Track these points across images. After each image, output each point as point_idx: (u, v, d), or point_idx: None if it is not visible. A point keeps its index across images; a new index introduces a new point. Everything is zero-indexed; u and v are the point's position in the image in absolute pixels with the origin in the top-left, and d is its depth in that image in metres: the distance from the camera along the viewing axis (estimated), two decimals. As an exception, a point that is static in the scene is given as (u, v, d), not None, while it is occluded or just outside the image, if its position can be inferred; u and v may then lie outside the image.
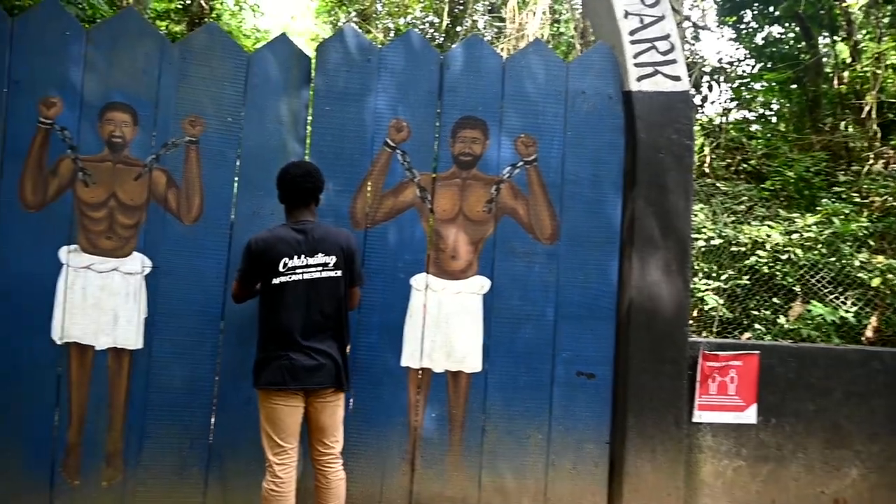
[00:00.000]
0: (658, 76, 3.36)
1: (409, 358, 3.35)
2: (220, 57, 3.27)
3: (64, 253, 3.06)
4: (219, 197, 3.24)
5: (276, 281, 2.77)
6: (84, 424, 3.03)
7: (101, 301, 3.07)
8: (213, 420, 3.16)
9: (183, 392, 3.14)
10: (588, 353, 3.41)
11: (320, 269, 2.81)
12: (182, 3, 10.64)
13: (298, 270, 2.78)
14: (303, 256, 2.80)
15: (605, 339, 3.43)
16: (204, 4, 11.27)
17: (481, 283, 3.39)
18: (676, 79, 3.37)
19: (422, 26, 22.06)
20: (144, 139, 3.17)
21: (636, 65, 3.36)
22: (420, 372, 3.33)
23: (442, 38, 21.63)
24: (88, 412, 3.03)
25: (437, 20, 21.72)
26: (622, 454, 3.31)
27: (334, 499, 2.85)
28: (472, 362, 3.35)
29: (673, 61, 3.37)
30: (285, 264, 2.78)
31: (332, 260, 2.83)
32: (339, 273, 2.84)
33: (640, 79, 3.36)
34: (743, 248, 4.91)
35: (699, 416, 3.41)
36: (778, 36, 9.14)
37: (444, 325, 3.35)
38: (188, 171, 3.19)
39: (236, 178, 3.28)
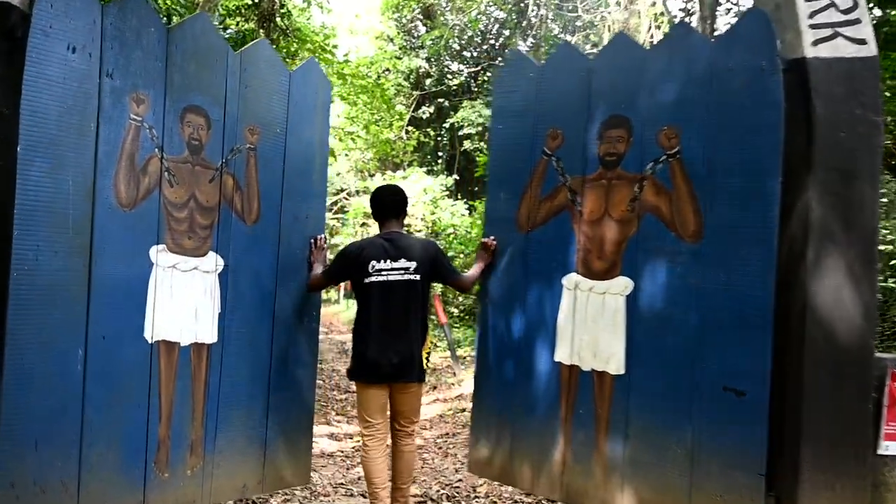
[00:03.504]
0: (838, 39, 2.84)
1: (561, 354, 3.45)
2: (271, 72, 3.54)
3: (153, 252, 3.10)
4: (270, 200, 3.55)
5: (366, 281, 3.38)
6: (172, 419, 3.16)
7: (185, 299, 3.20)
8: (269, 403, 3.53)
9: (246, 380, 3.45)
10: (737, 366, 2.98)
11: (402, 272, 3.36)
12: (253, 0, 10.49)
13: (384, 272, 3.34)
14: (388, 261, 3.36)
15: (757, 351, 2.95)
16: (275, 0, 11.10)
17: (625, 284, 3.25)
18: (861, 42, 2.84)
19: (487, 22, 21.87)
20: (215, 144, 3.32)
21: (812, 26, 2.84)
22: (570, 368, 3.41)
23: (507, 33, 21.23)
24: (175, 407, 3.17)
25: (503, 14, 21.31)
26: (793, 491, 2.82)
27: (402, 464, 3.59)
28: (616, 364, 3.27)
29: (856, 21, 2.85)
30: (373, 266, 3.36)
31: (412, 265, 3.37)
32: (418, 277, 3.39)
33: (815, 42, 2.84)
34: None
35: (886, 448, 2.88)
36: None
37: (591, 324, 3.35)
38: (248, 175, 3.44)
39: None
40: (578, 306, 3.41)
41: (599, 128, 3.36)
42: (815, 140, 2.84)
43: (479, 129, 19.78)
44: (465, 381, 8.43)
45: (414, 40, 22.05)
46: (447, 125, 21.03)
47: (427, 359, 3.71)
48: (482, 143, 19.94)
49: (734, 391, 2.97)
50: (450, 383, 8.67)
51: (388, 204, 3.55)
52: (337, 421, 7.05)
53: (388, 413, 3.65)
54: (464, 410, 7.18)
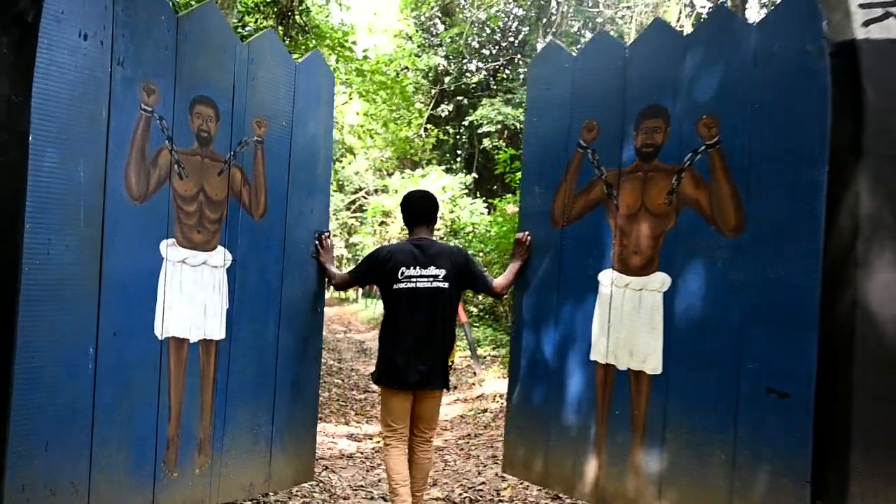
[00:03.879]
0: (890, 20, 2.67)
1: (597, 352, 3.34)
2: (277, 63, 3.48)
3: (163, 247, 3.02)
4: (277, 195, 3.50)
5: (395, 287, 3.35)
6: (181, 417, 3.10)
7: (194, 295, 3.13)
8: (275, 400, 3.50)
9: (253, 377, 3.40)
10: (780, 366, 2.82)
11: (431, 279, 3.34)
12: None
13: (413, 279, 3.32)
14: (418, 268, 3.34)
15: (802, 350, 2.79)
16: (293, -3, 11.02)
17: (662, 280, 3.11)
18: (915, 23, 2.64)
19: (506, 19, 21.70)
20: (224, 136, 3.24)
21: (862, 6, 2.67)
22: (605, 367, 3.30)
23: (527, 30, 21.04)
24: (184, 405, 3.11)
25: (522, 11, 21.13)
26: (842, 500, 2.66)
27: (418, 470, 3.56)
28: (653, 364, 3.14)
29: (910, 0, 2.66)
30: (403, 273, 3.34)
31: (442, 273, 3.36)
32: (447, 285, 3.37)
33: (866, 23, 2.67)
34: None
35: (945, 456, 2.67)
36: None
37: (627, 322, 3.23)
38: (256, 168, 3.39)
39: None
40: (614, 303, 3.27)
41: (636, 118, 3.24)
42: (866, 127, 2.66)
43: (498, 126, 19.63)
44: (486, 382, 8.29)
45: (433, 38, 21.95)
46: (466, 123, 20.91)
47: (451, 366, 3.62)
48: (501, 142, 19.82)
49: (777, 393, 2.80)
50: (470, 383, 8.54)
51: (419, 210, 3.53)
52: (356, 421, 6.94)
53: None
54: (485, 411, 7.04)
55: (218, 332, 3.22)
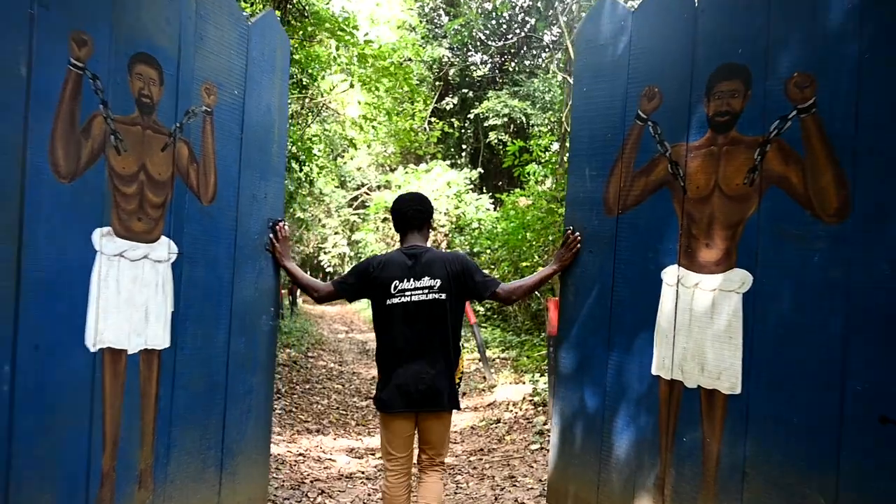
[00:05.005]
0: None
1: (659, 366, 2.75)
2: (229, 22, 2.99)
3: (97, 237, 2.42)
4: (228, 176, 3.02)
5: (388, 303, 2.98)
6: (118, 445, 2.52)
7: (134, 296, 2.58)
8: (225, 417, 3.04)
9: (203, 390, 2.92)
10: None
11: (427, 291, 2.96)
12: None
13: (407, 293, 2.96)
14: (411, 280, 2.97)
15: (927, 368, 2.19)
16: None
17: (741, 279, 2.48)
18: None
19: (511, 11, 21.09)
20: (169, 103, 2.71)
21: None
22: (670, 384, 2.70)
23: (534, 21, 20.40)
24: (122, 430, 2.54)
25: (529, 1, 20.48)
26: None
27: (425, 497, 3.10)
28: (730, 381, 2.51)
29: None
30: (395, 286, 2.97)
31: (437, 283, 2.96)
32: (444, 296, 2.97)
33: None
34: None
35: None
36: None
37: (697, 330, 2.61)
38: (205, 144, 2.89)
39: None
40: (681, 306, 2.66)
41: (708, 81, 2.62)
42: None
43: (505, 120, 19.09)
44: (498, 388, 7.68)
45: (437, 29, 21.39)
46: (471, 116, 20.35)
47: (459, 384, 3.17)
48: (507, 136, 19.26)
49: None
50: (480, 389, 7.92)
51: (409, 215, 3.12)
52: (357, 433, 6.33)
53: (416, 445, 3.19)
54: (498, 421, 6.43)
55: (161, 339, 2.69)
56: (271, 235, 3.24)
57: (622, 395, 2.85)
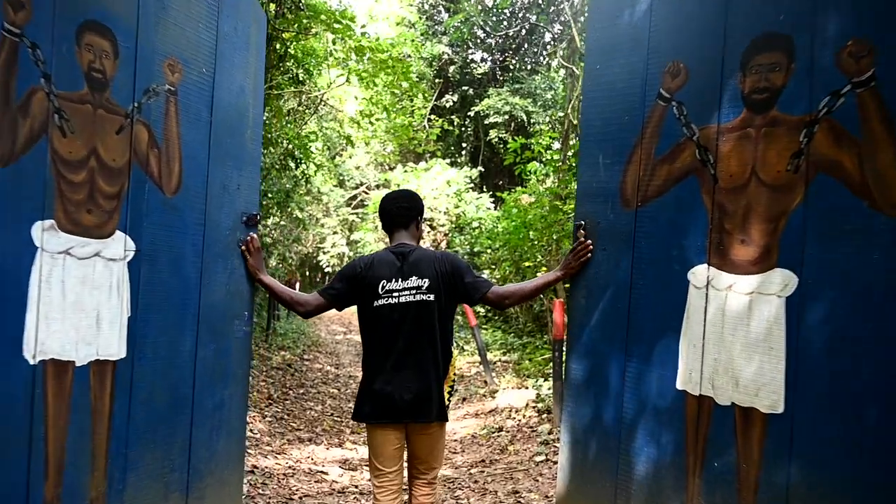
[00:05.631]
0: None
1: (685, 379, 2.42)
2: None
3: (37, 232, 2.09)
4: (195, 164, 2.70)
5: (375, 304, 2.80)
6: (63, 471, 2.19)
7: (83, 299, 2.25)
8: (191, 435, 2.73)
9: (165, 405, 2.61)
10: None
11: (414, 292, 2.79)
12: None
13: (395, 294, 2.78)
14: (399, 280, 2.80)
15: None
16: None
17: (784, 280, 2.16)
18: None
19: (512, 8, 20.78)
20: (125, 79, 2.38)
21: None
22: (699, 400, 2.37)
23: (534, 18, 20.07)
24: (69, 454, 2.21)
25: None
26: None
27: None
28: (770, 398, 2.19)
29: None
30: (383, 286, 2.80)
31: (425, 283, 2.79)
32: (432, 297, 2.79)
33: None
34: None
35: None
36: None
37: (730, 338, 2.29)
38: (168, 127, 2.58)
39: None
40: (712, 312, 2.33)
41: (743, 54, 2.29)
42: None
43: (506, 117, 18.77)
44: (499, 393, 7.36)
45: (437, 26, 21.08)
46: (471, 114, 20.03)
47: (451, 395, 2.94)
48: (507, 134, 18.93)
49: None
50: (481, 395, 7.59)
51: (394, 213, 2.96)
52: (352, 442, 6.00)
53: (405, 459, 3.01)
54: (500, 429, 6.11)
55: (116, 349, 2.37)
56: (242, 248, 2.94)
57: (641, 409, 2.52)
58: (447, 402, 2.87)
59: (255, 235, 2.98)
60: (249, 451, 4.85)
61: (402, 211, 2.94)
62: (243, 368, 2.98)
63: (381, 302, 2.78)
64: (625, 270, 2.60)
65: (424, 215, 3.07)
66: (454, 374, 2.94)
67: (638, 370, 2.53)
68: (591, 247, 2.73)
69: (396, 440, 2.84)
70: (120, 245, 2.34)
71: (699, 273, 2.37)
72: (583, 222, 2.76)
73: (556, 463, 5.02)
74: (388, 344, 2.77)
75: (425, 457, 2.90)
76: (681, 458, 2.38)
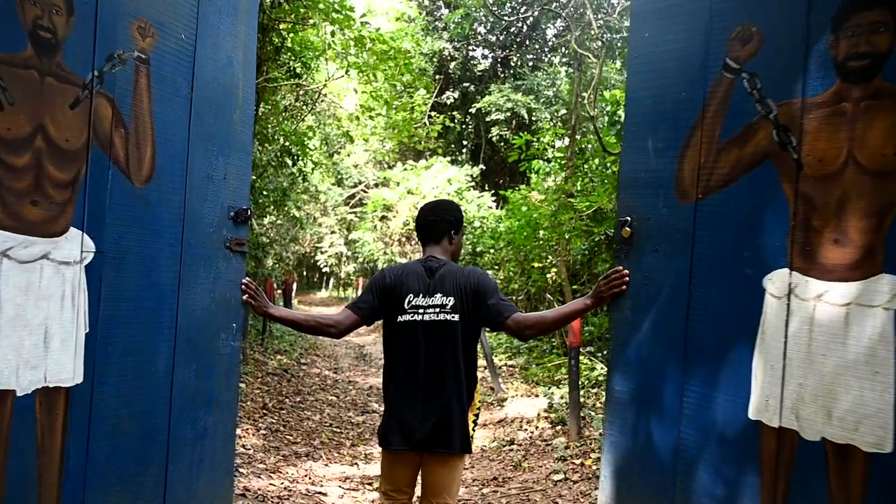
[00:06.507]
0: None
1: (761, 408, 2.01)
2: None
3: None
4: (171, 148, 2.32)
5: (400, 319, 2.61)
6: None
7: (26, 312, 1.86)
8: (167, 472, 2.37)
9: (134, 437, 2.22)
10: None
11: (438, 310, 2.59)
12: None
13: (420, 310, 2.60)
14: (425, 296, 2.61)
15: None
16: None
17: (891, 289, 1.78)
18: None
19: (514, 4, 20.41)
20: (82, 42, 1.98)
21: None
22: (778, 434, 1.96)
23: (536, 13, 19.71)
24: (7, 500, 1.87)
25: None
26: None
27: None
28: (874, 434, 1.79)
29: None
30: (409, 301, 2.61)
31: (449, 302, 2.59)
32: (455, 317, 2.58)
33: None
34: None
35: None
36: None
37: (820, 360, 1.90)
38: (137, 103, 2.17)
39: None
40: (796, 327, 1.93)
41: (836, 14, 1.90)
42: None
43: (508, 114, 18.42)
44: (508, 401, 6.96)
45: (437, 22, 20.72)
46: (473, 111, 19.67)
47: (475, 423, 2.66)
48: (509, 132, 18.57)
49: None
50: (489, 403, 7.19)
51: (422, 227, 2.80)
52: (352, 455, 5.59)
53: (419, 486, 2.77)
54: (512, 442, 5.71)
55: (70, 372, 1.96)
56: (245, 298, 2.62)
57: (704, 441, 2.12)
58: (471, 432, 2.53)
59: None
60: (241, 470, 4.45)
61: (429, 224, 2.76)
62: (231, 390, 2.59)
63: (406, 318, 2.57)
64: (682, 276, 2.19)
65: (462, 227, 2.80)
66: (478, 402, 2.60)
67: (699, 394, 2.13)
68: (628, 278, 2.37)
69: (410, 468, 2.62)
70: (75, 245, 1.94)
71: (778, 279, 1.96)
72: (628, 218, 2.35)
73: (575, 483, 4.62)
74: (409, 365, 2.56)
75: (439, 489, 2.58)
76: (755, 500, 1.98)
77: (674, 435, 2.19)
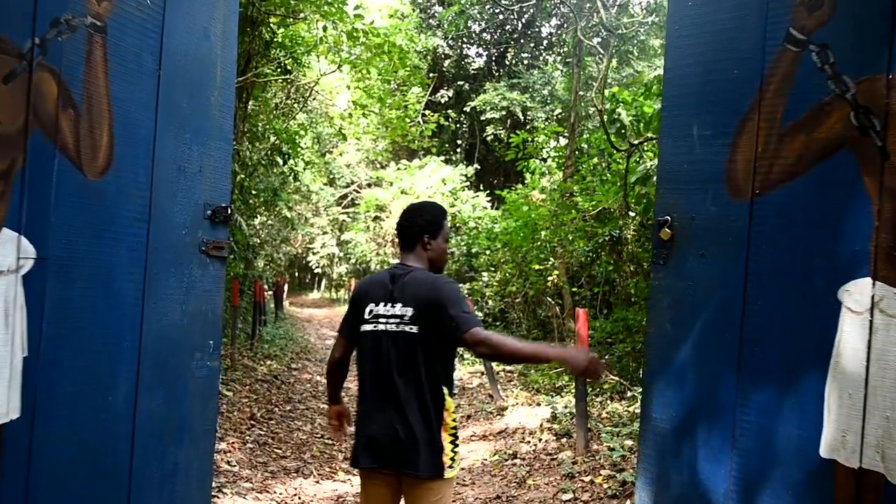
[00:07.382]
0: None
1: (836, 445, 1.72)
2: None
3: None
4: (134, 133, 1.99)
5: (362, 329, 2.46)
6: None
7: None
8: None
9: (88, 483, 1.89)
10: None
11: (397, 321, 2.41)
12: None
13: (381, 320, 2.42)
14: (387, 304, 2.44)
15: None
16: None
17: None
18: None
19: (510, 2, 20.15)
20: (18, 3, 1.70)
21: None
22: (858, 476, 1.67)
23: (532, 11, 19.43)
24: None
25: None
26: None
27: None
28: None
29: None
30: (371, 311, 2.45)
31: (408, 312, 2.40)
32: (414, 329, 2.37)
33: None
34: None
35: None
36: None
37: None
38: (91, 79, 1.84)
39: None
40: (879, 348, 1.64)
41: None
42: None
43: (503, 113, 18.16)
44: (509, 410, 6.65)
45: (431, 20, 20.43)
46: (467, 110, 19.40)
47: (455, 444, 2.36)
48: (504, 131, 18.31)
49: None
50: (488, 412, 6.87)
51: (397, 231, 2.66)
52: (345, 470, 5.27)
53: None
54: (514, 455, 5.39)
55: (3, 406, 1.65)
56: (333, 428, 2.71)
57: (763, 481, 1.81)
58: (451, 456, 2.28)
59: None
60: (224, 490, 4.12)
61: (400, 230, 2.62)
62: (207, 419, 2.27)
63: (367, 328, 2.42)
64: (735, 285, 1.88)
65: (442, 230, 2.58)
66: (451, 421, 2.35)
67: (758, 426, 1.81)
68: (601, 376, 2.17)
69: (388, 490, 2.39)
70: (8, 250, 1.62)
71: (858, 291, 1.66)
72: (668, 218, 2.04)
73: (586, 503, 4.32)
74: (373, 378, 2.40)
75: None
76: (828, 557, 1.67)
77: (724, 473, 1.88)
